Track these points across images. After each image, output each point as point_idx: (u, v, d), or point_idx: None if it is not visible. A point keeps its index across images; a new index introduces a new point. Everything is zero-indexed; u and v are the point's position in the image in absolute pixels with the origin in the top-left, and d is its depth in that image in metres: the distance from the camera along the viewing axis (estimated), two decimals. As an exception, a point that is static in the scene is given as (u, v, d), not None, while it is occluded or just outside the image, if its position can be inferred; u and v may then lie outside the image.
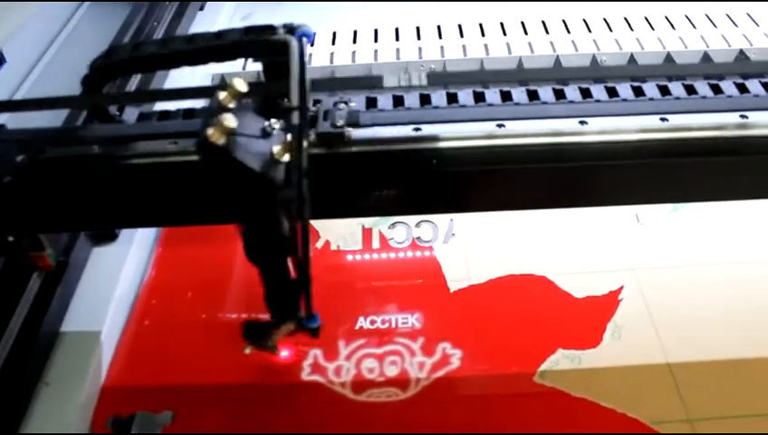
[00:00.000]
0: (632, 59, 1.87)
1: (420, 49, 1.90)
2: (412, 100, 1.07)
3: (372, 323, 1.47)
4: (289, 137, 0.81)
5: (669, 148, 0.99)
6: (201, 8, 2.30)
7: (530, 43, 1.91)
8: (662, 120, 1.00)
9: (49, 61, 1.87)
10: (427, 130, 0.98)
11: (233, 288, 1.58)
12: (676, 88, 1.10)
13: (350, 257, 1.63)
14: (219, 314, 1.51)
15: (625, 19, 2.01)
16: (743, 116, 0.99)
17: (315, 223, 1.69)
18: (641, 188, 1.06)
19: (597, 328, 1.43)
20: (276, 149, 0.79)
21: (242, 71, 1.79)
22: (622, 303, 1.48)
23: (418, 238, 1.66)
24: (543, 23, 2.00)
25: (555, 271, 1.55)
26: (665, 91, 1.10)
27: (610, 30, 1.98)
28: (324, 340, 1.43)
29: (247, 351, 0.99)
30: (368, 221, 1.70)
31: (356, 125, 0.97)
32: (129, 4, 2.13)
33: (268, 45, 0.91)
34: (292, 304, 0.93)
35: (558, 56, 1.86)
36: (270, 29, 0.92)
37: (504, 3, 2.10)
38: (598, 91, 1.14)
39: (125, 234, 1.59)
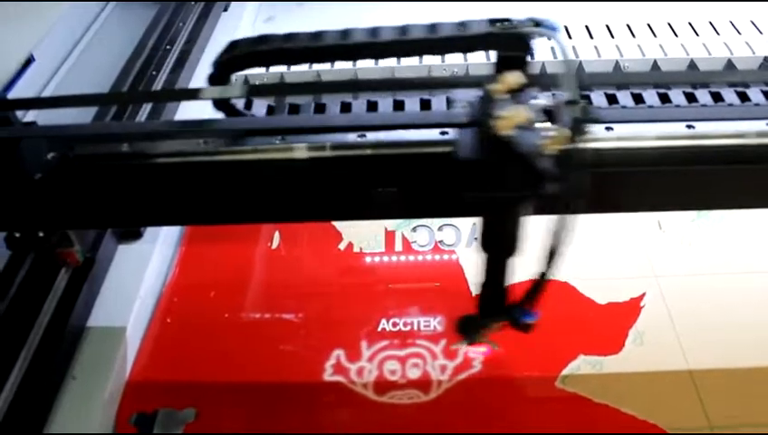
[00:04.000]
0: (655, 65, 1.87)
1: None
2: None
3: (395, 325, 1.48)
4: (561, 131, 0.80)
5: (694, 155, 0.99)
6: (225, 9, 2.32)
7: (552, 49, 1.90)
8: (688, 127, 0.99)
9: (75, 60, 1.90)
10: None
11: (255, 288, 1.59)
12: (703, 95, 1.10)
13: (372, 259, 1.64)
14: (242, 314, 1.52)
15: (648, 25, 2.00)
16: (770, 124, 0.98)
17: (337, 224, 1.71)
18: (664, 194, 1.06)
19: (619, 334, 1.43)
20: (547, 139, 0.79)
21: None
22: (644, 309, 1.48)
23: (441, 242, 1.66)
24: (566, 28, 2.00)
25: (578, 277, 1.54)
26: (691, 98, 1.10)
27: (633, 36, 1.98)
28: (347, 341, 1.44)
29: (460, 346, 0.99)
30: (390, 224, 1.71)
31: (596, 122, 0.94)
32: (155, 4, 2.16)
33: (515, 38, 0.91)
34: (504, 301, 0.95)
35: (581, 62, 1.86)
36: (508, 21, 0.92)
37: (526, 3, 2.09)
38: (624, 96, 1.14)
39: (150, 232, 1.61)
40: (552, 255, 0.86)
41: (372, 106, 1.13)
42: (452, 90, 1.06)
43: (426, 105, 1.11)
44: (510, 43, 0.91)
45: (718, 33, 1.95)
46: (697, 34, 1.96)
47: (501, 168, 0.80)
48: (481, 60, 1.82)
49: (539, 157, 0.77)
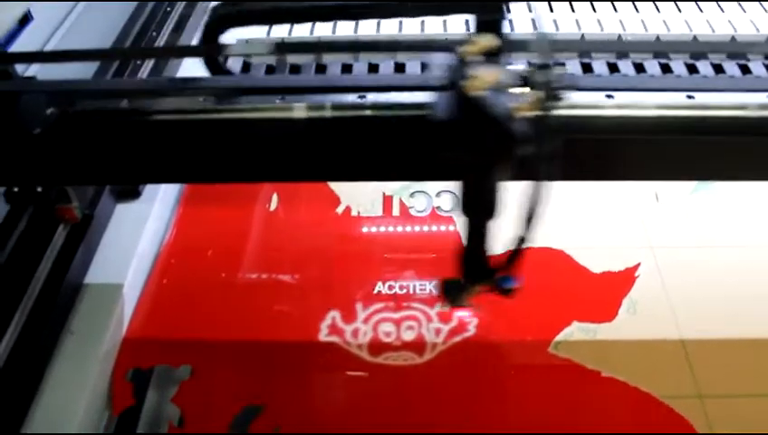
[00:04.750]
0: (658, 40, 1.85)
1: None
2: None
3: (390, 288, 1.48)
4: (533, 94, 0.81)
5: (693, 125, 0.99)
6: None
7: (555, 21, 1.89)
8: (688, 97, 0.99)
9: (75, 20, 1.88)
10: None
11: (252, 248, 1.60)
12: (704, 66, 1.10)
13: (370, 224, 1.64)
14: (238, 274, 1.53)
15: (653, 1, 1.98)
16: (772, 96, 0.98)
17: (335, 188, 1.71)
18: (663, 164, 1.06)
19: (613, 303, 1.45)
20: (517, 103, 0.78)
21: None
22: (639, 279, 1.49)
23: (438, 208, 1.67)
24: (570, 1, 1.98)
25: (573, 245, 1.55)
26: (692, 69, 1.09)
27: (637, 11, 1.96)
28: (342, 302, 1.45)
29: (443, 308, 1.00)
30: (389, 189, 1.71)
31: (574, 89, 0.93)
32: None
33: (484, 4, 0.90)
34: (487, 264, 0.94)
35: (583, 35, 1.84)
36: None
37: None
38: (625, 65, 1.14)
39: (148, 192, 1.61)
40: (529, 220, 0.86)
41: (373, 68, 1.13)
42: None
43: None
44: (484, 7, 0.91)
45: (723, 11, 1.94)
46: (701, 11, 1.94)
47: (473, 128, 0.80)
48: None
49: (512, 119, 0.77)
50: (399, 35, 1.87)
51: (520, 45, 0.88)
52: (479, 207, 0.90)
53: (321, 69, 1.16)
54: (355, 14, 0.98)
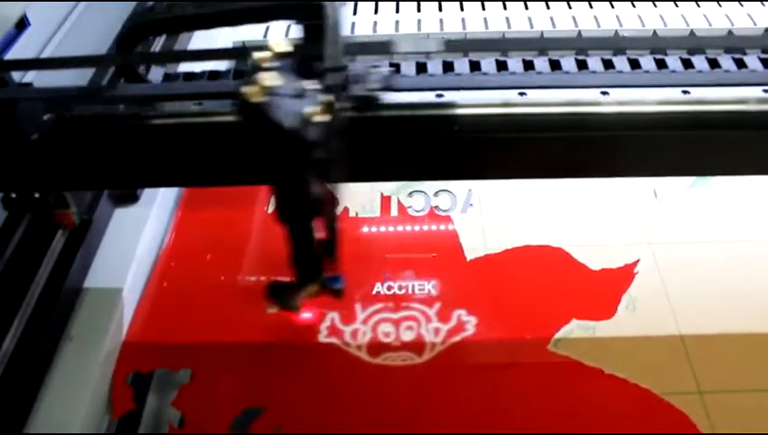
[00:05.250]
0: (655, 35, 1.85)
1: (441, 21, 1.90)
2: (435, 67, 1.07)
3: (389, 288, 1.49)
4: (323, 98, 0.81)
5: (690, 120, 0.99)
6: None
7: (552, 18, 1.90)
8: (684, 92, 0.99)
9: (71, 25, 1.88)
10: (450, 96, 0.98)
11: (251, 251, 1.60)
12: (700, 62, 1.10)
13: (368, 224, 1.65)
14: (238, 276, 1.53)
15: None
16: (766, 90, 0.98)
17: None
18: (660, 159, 1.06)
19: (612, 300, 1.45)
20: (310, 109, 0.79)
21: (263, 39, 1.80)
22: (638, 276, 1.49)
23: (437, 207, 1.67)
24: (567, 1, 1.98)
25: (572, 243, 1.55)
26: (688, 64, 1.09)
27: (633, 6, 1.96)
28: (341, 303, 1.45)
29: (271, 310, 1.01)
30: (387, 189, 1.71)
31: (389, 90, 0.96)
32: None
33: (306, 8, 0.91)
34: (316, 265, 0.95)
35: (580, 32, 1.84)
36: None
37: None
38: (620, 62, 1.13)
39: (146, 196, 1.61)
40: (328, 221, 0.89)
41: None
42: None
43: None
44: (306, 14, 0.91)
45: (720, 5, 1.94)
46: (698, 5, 1.94)
47: (257, 134, 0.81)
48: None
49: (301, 124, 0.78)
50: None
51: (315, 50, 0.88)
52: (292, 210, 0.90)
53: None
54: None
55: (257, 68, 0.81)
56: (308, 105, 0.80)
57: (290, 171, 0.85)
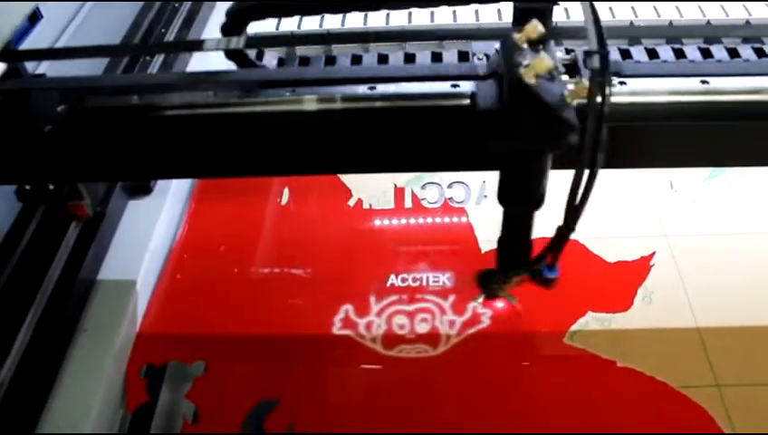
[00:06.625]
0: (670, 26, 1.84)
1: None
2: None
3: (404, 280, 1.48)
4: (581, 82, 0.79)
5: (708, 110, 0.98)
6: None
7: (566, 9, 1.88)
8: (703, 82, 0.98)
9: (84, 17, 1.88)
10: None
11: (264, 242, 1.59)
12: (719, 51, 1.08)
13: (382, 216, 1.64)
14: (251, 268, 1.53)
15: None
16: (788, 80, 0.97)
17: (346, 181, 1.70)
18: (677, 150, 1.05)
19: (628, 292, 1.43)
20: (568, 91, 0.77)
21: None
22: (654, 268, 1.48)
23: (450, 199, 1.66)
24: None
25: (587, 235, 1.54)
26: (706, 53, 1.08)
27: (649, -3, 1.94)
28: (355, 296, 1.45)
29: (480, 300, 0.99)
30: (400, 180, 1.70)
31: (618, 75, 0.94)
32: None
33: None
34: (527, 254, 0.95)
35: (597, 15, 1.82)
36: None
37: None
38: (638, 51, 1.12)
39: (159, 188, 1.61)
40: (573, 210, 0.85)
41: (383, 59, 1.11)
42: (465, 43, 1.06)
43: (437, 58, 1.10)
44: None
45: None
46: (716, -4, 1.92)
47: (524, 117, 0.79)
48: (493, 19, 1.82)
49: (563, 107, 0.77)
50: (423, 26, 1.88)
51: (567, 33, 0.87)
52: (522, 197, 0.89)
53: (330, 61, 1.14)
54: (385, 3, 0.98)
55: (513, 50, 0.80)
56: (562, 88, 0.78)
57: (540, 154, 0.84)
